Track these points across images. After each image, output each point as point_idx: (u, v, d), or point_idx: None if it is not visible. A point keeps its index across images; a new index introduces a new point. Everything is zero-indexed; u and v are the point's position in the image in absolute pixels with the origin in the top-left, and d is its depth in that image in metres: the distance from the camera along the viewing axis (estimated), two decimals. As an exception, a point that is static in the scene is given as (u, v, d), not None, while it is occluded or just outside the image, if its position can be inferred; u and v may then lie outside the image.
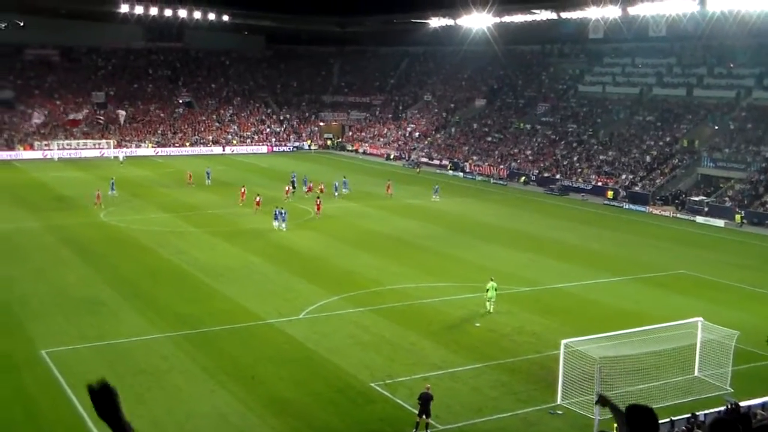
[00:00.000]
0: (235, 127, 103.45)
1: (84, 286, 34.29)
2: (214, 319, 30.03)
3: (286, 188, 60.53)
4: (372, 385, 23.99)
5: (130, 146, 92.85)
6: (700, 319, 25.48)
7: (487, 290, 31.52)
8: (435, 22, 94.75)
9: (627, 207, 62.39)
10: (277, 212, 48.23)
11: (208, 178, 67.88)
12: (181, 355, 26.16)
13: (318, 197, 55.01)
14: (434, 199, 61.59)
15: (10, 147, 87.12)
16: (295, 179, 64.13)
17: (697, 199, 60.61)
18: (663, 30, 72.42)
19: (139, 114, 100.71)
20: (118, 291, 33.60)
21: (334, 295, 33.55)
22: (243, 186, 59.12)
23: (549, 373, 24.38)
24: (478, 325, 30.12)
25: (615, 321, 29.39)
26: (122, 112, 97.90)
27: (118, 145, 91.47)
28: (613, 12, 72.81)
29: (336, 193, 61.39)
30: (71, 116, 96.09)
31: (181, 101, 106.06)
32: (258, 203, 53.42)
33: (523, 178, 75.04)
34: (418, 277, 37.01)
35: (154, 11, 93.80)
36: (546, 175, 73.99)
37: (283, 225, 47.60)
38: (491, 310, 31.37)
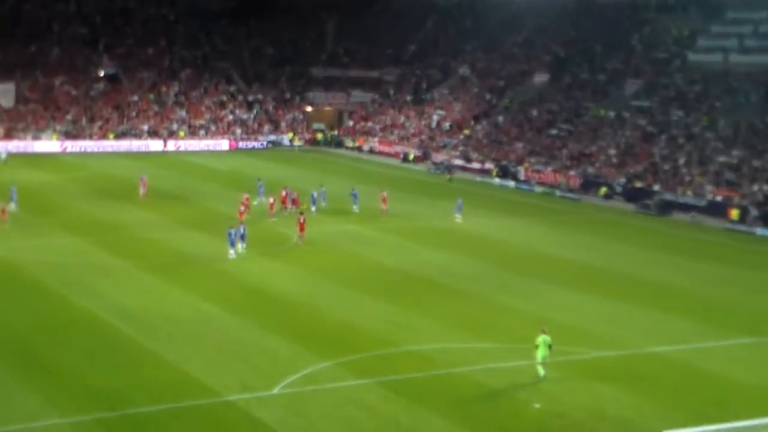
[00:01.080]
0: (183, 113, 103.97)
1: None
2: (147, 395, 29.89)
3: (270, 201, 61.68)
4: (379, 495, 23.89)
5: (24, 138, 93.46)
6: None
7: (537, 347, 31.55)
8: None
9: (760, 233, 62.23)
10: (233, 233, 49.19)
11: (143, 186, 68.18)
12: (96, 448, 26.04)
13: (301, 213, 55.42)
14: (456, 218, 61.75)
15: None
16: (262, 189, 64.95)
17: None
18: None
19: (39, 90, 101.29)
20: None
21: (325, 359, 33.42)
22: (246, 194, 61.02)
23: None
24: (537, 406, 29.91)
25: (742, 403, 29.12)
26: (9, 87, 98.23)
27: (6, 136, 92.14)
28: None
29: (313, 208, 62.48)
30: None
31: (102, 73, 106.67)
32: (241, 214, 56.08)
33: (604, 189, 74.91)
34: (447, 335, 36.91)
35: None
36: (638, 185, 73.88)
37: (240, 247, 49.11)
38: (542, 375, 31.36)
